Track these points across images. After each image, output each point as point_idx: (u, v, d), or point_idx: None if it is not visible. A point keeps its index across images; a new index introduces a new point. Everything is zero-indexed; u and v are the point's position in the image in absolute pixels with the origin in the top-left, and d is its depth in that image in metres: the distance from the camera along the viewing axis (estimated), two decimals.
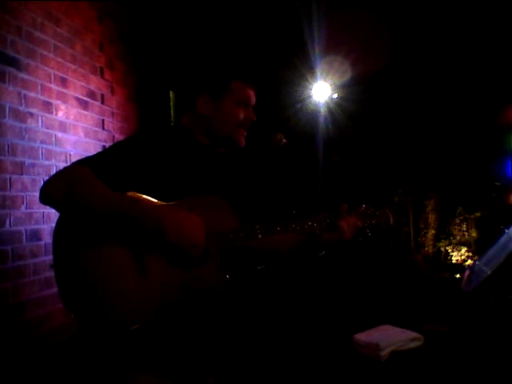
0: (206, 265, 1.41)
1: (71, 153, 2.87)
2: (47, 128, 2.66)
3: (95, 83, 3.19)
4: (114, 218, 1.35)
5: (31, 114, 2.53)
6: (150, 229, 1.34)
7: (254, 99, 1.66)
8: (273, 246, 1.65)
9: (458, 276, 4.33)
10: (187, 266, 1.38)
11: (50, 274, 2.55)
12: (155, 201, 1.43)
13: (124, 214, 1.34)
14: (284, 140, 1.75)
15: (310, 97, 4.55)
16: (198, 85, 1.65)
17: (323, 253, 1.63)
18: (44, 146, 2.63)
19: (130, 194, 1.42)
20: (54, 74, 2.74)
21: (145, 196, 1.43)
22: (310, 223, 1.53)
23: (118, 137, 3.43)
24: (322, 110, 4.56)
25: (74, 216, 1.40)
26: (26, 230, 2.47)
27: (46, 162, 2.64)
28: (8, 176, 2.36)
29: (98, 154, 1.51)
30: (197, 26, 3.98)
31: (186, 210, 1.41)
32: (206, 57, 3.89)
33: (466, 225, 4.73)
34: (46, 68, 2.67)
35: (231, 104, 1.61)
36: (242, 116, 1.62)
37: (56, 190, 1.38)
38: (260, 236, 1.47)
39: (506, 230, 2.86)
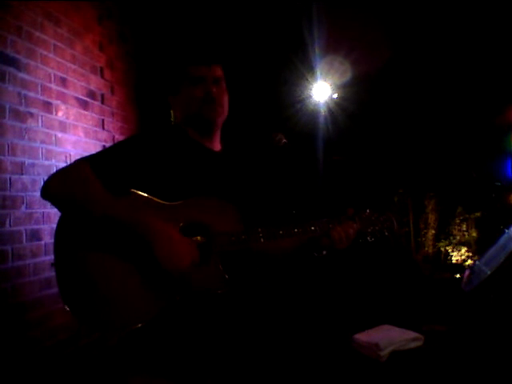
0: (207, 267, 1.41)
1: (71, 153, 2.87)
2: (47, 128, 2.66)
3: (95, 83, 3.19)
4: (109, 222, 1.36)
5: (31, 114, 2.53)
6: (139, 240, 1.35)
7: (209, 72, 1.63)
8: (274, 249, 1.65)
9: (458, 276, 4.33)
10: (168, 279, 1.38)
11: (50, 274, 2.55)
12: (156, 200, 1.43)
13: (118, 221, 1.35)
14: (284, 140, 1.75)
15: (310, 97, 4.55)
16: (162, 91, 1.71)
17: (325, 252, 1.62)
18: (44, 146, 2.63)
19: (133, 195, 1.43)
20: (54, 74, 2.74)
21: (146, 196, 1.43)
22: (312, 228, 1.53)
23: (118, 137, 3.43)
24: (322, 110, 4.56)
25: (71, 215, 1.40)
26: (25, 230, 2.46)
27: (46, 162, 2.64)
28: (8, 176, 2.36)
29: (99, 153, 1.51)
30: (188, 25, 3.96)
31: (188, 212, 1.42)
32: (164, 60, 3.82)
33: (466, 225, 4.73)
34: (46, 68, 2.67)
35: (187, 87, 1.63)
36: (199, 92, 1.60)
37: (56, 188, 1.40)
38: (262, 240, 1.47)
39: (506, 230, 2.86)
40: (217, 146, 1.69)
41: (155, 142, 1.54)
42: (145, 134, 1.60)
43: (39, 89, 2.60)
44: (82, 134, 3.01)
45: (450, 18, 4.03)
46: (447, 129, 4.57)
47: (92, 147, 3.10)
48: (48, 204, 1.44)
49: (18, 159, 2.43)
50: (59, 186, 1.40)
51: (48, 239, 2.59)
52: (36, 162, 2.56)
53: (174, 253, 1.34)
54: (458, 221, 4.76)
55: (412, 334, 2.72)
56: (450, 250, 4.71)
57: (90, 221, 1.37)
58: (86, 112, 3.06)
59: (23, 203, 2.45)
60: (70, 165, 1.47)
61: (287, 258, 1.69)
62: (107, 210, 1.35)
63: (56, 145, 2.73)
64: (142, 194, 1.44)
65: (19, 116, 2.44)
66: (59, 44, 2.79)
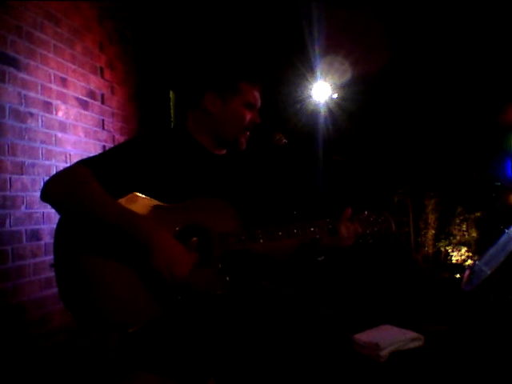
0: (206, 268, 1.41)
1: (71, 153, 2.87)
2: (47, 128, 2.66)
3: (95, 83, 3.19)
4: (109, 227, 1.35)
5: (31, 114, 2.53)
6: (139, 247, 1.34)
7: (259, 102, 1.65)
8: (274, 250, 1.64)
9: (458, 276, 4.33)
10: (165, 286, 1.37)
11: (50, 274, 2.55)
12: (157, 203, 1.43)
13: (118, 227, 1.34)
14: (284, 140, 1.75)
15: (310, 97, 4.55)
16: (206, 81, 1.63)
17: (323, 258, 1.62)
18: (44, 146, 2.63)
19: (134, 198, 1.43)
20: (54, 74, 2.74)
21: (147, 198, 1.43)
22: (312, 229, 1.53)
23: (118, 137, 3.43)
24: (322, 110, 4.56)
25: (71, 218, 1.40)
26: (25, 230, 2.46)
27: (46, 162, 2.64)
28: (8, 176, 2.36)
29: (99, 156, 1.51)
30: (199, 25, 3.98)
31: (188, 213, 1.42)
32: (214, 54, 3.89)
33: (466, 225, 4.73)
34: (46, 68, 2.67)
35: (239, 105, 1.59)
36: (248, 118, 1.60)
37: (56, 191, 1.39)
38: (262, 241, 1.46)
39: (506, 230, 2.86)
40: (222, 151, 1.69)
41: (158, 146, 1.53)
42: (147, 138, 1.58)
43: (39, 89, 2.60)
44: (82, 134, 3.01)
45: (451, 18, 4.03)
46: (447, 129, 4.57)
47: (92, 147, 3.10)
48: (48, 204, 1.44)
49: (18, 159, 2.43)
50: (59, 190, 1.38)
51: (48, 239, 2.59)
52: (36, 161, 2.56)
53: (172, 263, 1.33)
54: (458, 221, 4.76)
55: (412, 334, 2.73)
56: (449, 250, 4.72)
57: (91, 224, 1.37)
58: (86, 112, 3.06)
59: (23, 203, 2.46)
60: (70, 167, 1.45)
61: (287, 259, 1.69)
62: (107, 216, 1.35)
63: (56, 145, 2.73)
64: (143, 196, 1.44)
65: (19, 116, 2.44)
66: (59, 44, 2.79)
